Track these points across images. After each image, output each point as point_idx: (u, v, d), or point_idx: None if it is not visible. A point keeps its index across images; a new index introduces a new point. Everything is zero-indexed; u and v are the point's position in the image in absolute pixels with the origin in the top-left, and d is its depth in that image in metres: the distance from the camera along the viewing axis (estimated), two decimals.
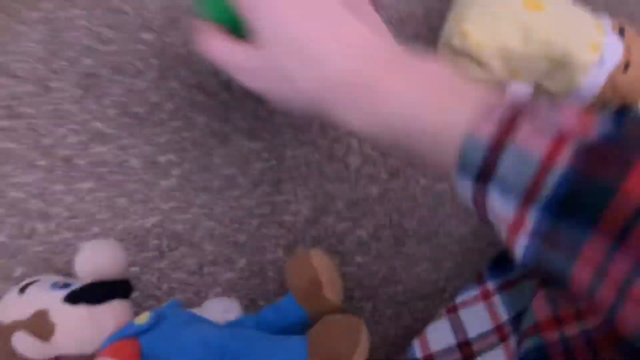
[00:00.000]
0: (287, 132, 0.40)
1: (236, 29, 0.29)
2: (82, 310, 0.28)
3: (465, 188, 0.23)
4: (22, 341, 0.27)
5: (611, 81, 0.38)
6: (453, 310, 0.38)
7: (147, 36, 0.40)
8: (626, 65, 0.38)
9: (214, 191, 0.38)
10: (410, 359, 0.37)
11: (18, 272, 0.34)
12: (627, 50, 0.38)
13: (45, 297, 0.29)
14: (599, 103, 0.39)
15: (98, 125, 0.37)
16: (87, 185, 0.36)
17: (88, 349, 0.28)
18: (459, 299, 0.38)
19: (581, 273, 0.20)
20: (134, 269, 0.36)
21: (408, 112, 0.24)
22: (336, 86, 0.26)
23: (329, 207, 0.40)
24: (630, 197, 0.18)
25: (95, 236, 0.36)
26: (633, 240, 0.18)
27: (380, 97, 0.25)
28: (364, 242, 0.41)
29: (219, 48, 0.29)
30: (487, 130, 0.22)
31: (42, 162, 0.36)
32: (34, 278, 0.31)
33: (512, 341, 0.33)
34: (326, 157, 0.40)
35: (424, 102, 0.24)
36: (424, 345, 0.37)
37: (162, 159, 0.38)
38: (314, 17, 0.26)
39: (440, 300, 0.42)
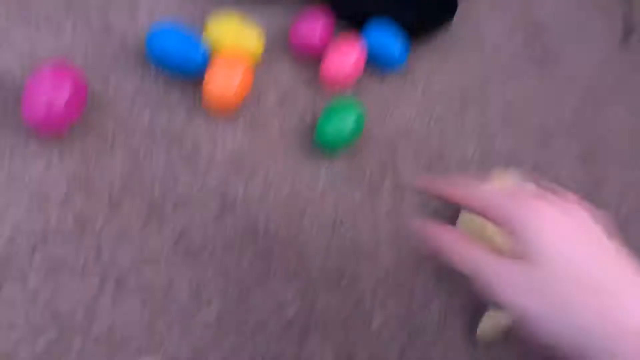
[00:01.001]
0: (320, 283, 0.44)
1: None
2: None
3: None
4: None
5: None
6: None
7: (212, 179, 0.45)
8: None
9: (247, 333, 0.40)
10: None
11: None
12: None
13: None
14: None
15: (155, 249, 0.40)
16: (132, 304, 0.38)
17: None
18: None
19: None
20: None
21: None
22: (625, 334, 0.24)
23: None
24: None
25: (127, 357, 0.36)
26: None
27: None
28: None
29: (481, 257, 0.28)
30: None
31: (96, 279, 0.38)
32: None
33: None
34: (352, 312, 0.43)
35: None
36: None
37: (205, 290, 0.40)
38: (592, 246, 0.27)
39: None
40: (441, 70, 0.60)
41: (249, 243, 0.43)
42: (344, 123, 0.48)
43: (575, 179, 0.57)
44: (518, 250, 0.27)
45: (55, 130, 0.40)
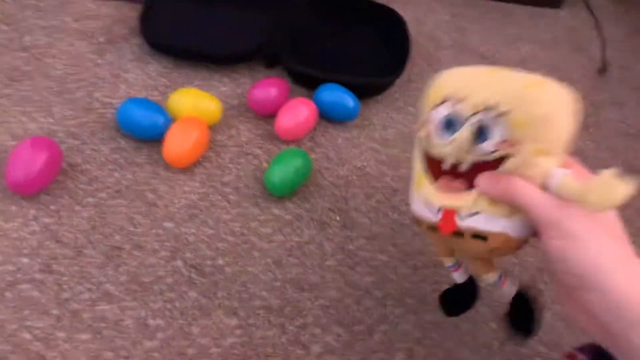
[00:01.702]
0: (261, 313, 0.47)
1: None
2: None
3: None
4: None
5: None
6: None
7: (168, 225, 0.51)
8: None
9: (187, 359, 0.43)
10: None
11: None
12: None
13: None
14: None
15: (109, 287, 0.46)
16: (85, 336, 0.43)
17: None
18: None
19: None
20: None
21: None
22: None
23: None
24: None
25: None
26: None
27: None
28: None
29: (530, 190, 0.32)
30: None
31: (55, 312, 0.43)
32: None
33: None
34: (291, 341, 0.46)
35: None
36: None
37: (152, 322, 0.45)
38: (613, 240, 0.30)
39: None
40: (393, 120, 0.66)
41: (196, 279, 0.48)
42: (290, 168, 0.54)
43: None
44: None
45: (33, 190, 0.48)
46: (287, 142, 0.60)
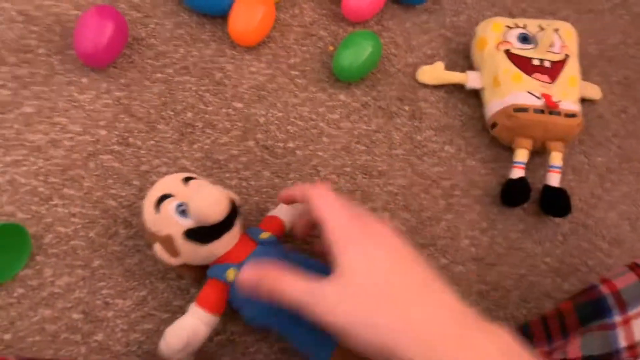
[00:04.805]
0: None
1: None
2: (197, 246, 0.37)
3: None
4: (159, 251, 0.37)
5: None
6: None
7: (238, 105, 0.50)
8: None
9: None
10: None
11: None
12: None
13: (172, 223, 0.37)
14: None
15: (185, 162, 0.47)
16: None
17: (207, 262, 0.39)
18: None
19: None
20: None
21: None
22: (418, 335, 0.27)
23: None
24: None
25: None
26: None
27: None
28: None
29: (296, 286, 0.30)
30: None
31: (137, 183, 0.45)
32: (165, 191, 0.38)
33: None
34: None
35: None
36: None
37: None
38: (404, 267, 0.30)
39: None
40: (465, 5, 0.61)
41: (269, 159, 0.48)
42: (360, 52, 0.51)
43: None
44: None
45: (103, 62, 0.47)
46: (353, 24, 0.57)
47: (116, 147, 0.46)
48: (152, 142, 0.47)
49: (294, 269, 0.32)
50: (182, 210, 0.37)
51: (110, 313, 0.40)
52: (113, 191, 0.44)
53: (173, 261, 0.37)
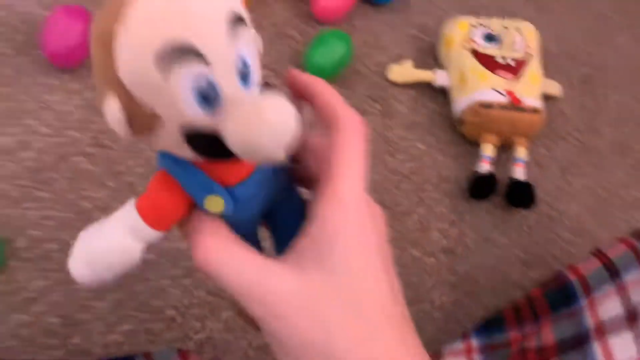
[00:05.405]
0: None
1: None
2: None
3: None
4: (113, 112, 0.19)
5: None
6: (436, 357, 0.41)
7: None
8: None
9: None
10: None
11: None
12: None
13: (177, 106, 0.18)
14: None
15: None
16: None
17: None
18: (445, 349, 0.42)
19: None
20: None
21: None
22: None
23: None
24: None
25: None
26: None
27: None
28: None
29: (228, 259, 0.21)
30: None
31: (111, 184, 0.44)
32: (187, 41, 0.17)
33: None
34: None
35: None
36: None
37: None
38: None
39: None
40: (432, 4, 0.63)
41: None
42: (332, 51, 0.52)
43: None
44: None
45: (74, 62, 0.47)
46: (323, 24, 0.58)
47: (88, 149, 0.45)
48: (126, 143, 0.46)
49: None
50: (205, 97, 0.18)
51: (88, 315, 0.40)
52: (86, 193, 0.44)
53: (130, 135, 0.20)
